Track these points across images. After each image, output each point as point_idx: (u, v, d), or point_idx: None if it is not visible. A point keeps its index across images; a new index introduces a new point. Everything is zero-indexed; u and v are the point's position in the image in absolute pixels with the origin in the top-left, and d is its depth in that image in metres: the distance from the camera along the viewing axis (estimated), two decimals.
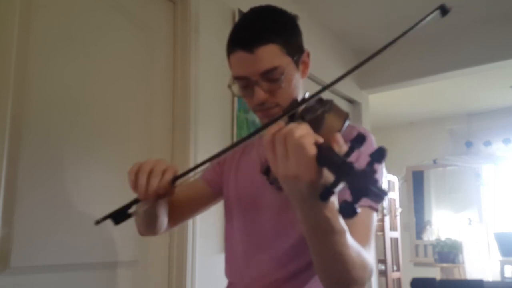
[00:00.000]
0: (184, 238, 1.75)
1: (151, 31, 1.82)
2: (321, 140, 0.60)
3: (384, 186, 4.39)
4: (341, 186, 0.56)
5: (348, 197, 0.54)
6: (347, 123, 0.68)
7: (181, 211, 1.13)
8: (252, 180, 1.01)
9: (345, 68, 3.32)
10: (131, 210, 0.88)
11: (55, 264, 1.35)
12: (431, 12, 0.68)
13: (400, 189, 4.99)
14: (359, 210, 0.53)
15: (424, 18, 0.67)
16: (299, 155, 0.58)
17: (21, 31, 1.32)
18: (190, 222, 1.77)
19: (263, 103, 0.91)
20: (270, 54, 0.87)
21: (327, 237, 0.65)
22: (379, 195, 0.52)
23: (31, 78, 1.34)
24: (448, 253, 4.82)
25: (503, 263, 4.67)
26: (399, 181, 5.00)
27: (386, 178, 4.50)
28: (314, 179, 0.58)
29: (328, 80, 3.05)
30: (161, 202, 0.99)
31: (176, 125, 1.86)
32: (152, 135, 1.76)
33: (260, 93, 0.89)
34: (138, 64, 1.74)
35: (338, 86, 3.19)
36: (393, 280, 4.32)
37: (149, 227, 1.06)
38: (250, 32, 0.89)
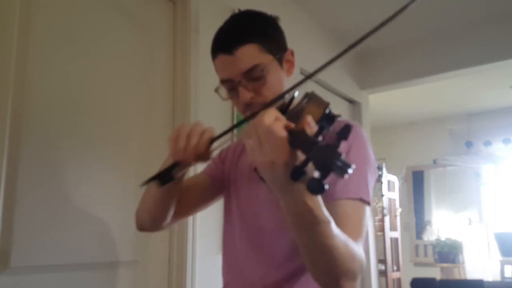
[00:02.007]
0: (184, 238, 1.75)
1: (151, 31, 1.82)
2: (292, 125, 0.63)
3: (384, 186, 4.39)
4: (312, 166, 0.58)
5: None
6: (327, 111, 0.69)
7: (185, 206, 1.13)
8: (250, 179, 1.01)
9: (345, 68, 3.33)
10: (173, 172, 0.89)
11: (55, 264, 1.35)
12: None
13: (400, 189, 4.99)
14: (327, 186, 0.54)
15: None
16: (271, 140, 0.61)
17: (21, 31, 1.32)
18: (190, 222, 1.77)
19: (250, 103, 0.91)
20: (250, 54, 0.89)
21: (311, 227, 0.66)
22: (342, 168, 0.54)
23: (31, 78, 1.34)
24: (448, 253, 4.82)
25: (503, 263, 4.67)
26: (399, 181, 5.00)
27: (386, 178, 4.50)
28: (288, 161, 0.60)
29: (327, 80, 3.06)
30: (176, 190, 0.99)
31: (176, 125, 1.86)
32: (152, 135, 1.76)
33: (245, 93, 0.90)
34: (138, 64, 1.74)
35: (338, 86, 3.19)
36: (393, 280, 4.32)
37: (158, 213, 1.03)
38: (229, 35, 0.92)
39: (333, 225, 0.68)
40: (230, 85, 0.93)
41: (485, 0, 2.83)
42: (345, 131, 0.56)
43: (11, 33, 1.30)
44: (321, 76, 2.70)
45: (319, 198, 0.66)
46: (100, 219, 1.49)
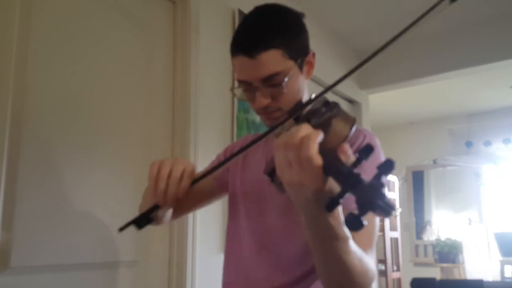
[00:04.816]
0: (184, 238, 1.75)
1: (151, 31, 1.82)
2: (328, 145, 0.60)
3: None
4: (347, 196, 0.56)
5: (352, 205, 0.53)
6: (354, 128, 0.67)
7: (186, 206, 1.12)
8: (258, 178, 1.00)
9: (346, 68, 3.33)
10: (152, 215, 0.88)
11: (55, 264, 1.35)
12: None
13: (400, 189, 4.99)
14: (365, 222, 0.52)
15: (433, 7, 0.65)
16: (305, 165, 0.58)
17: (21, 31, 1.32)
18: (190, 222, 1.77)
19: (265, 107, 0.90)
20: (272, 60, 0.86)
21: (331, 243, 0.66)
22: (386, 210, 0.51)
23: (31, 78, 1.34)
24: (448, 253, 4.82)
25: (503, 263, 4.67)
26: (399, 181, 5.00)
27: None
28: (320, 187, 0.58)
29: (329, 81, 3.05)
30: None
31: (176, 125, 1.86)
32: (152, 135, 1.76)
33: (261, 99, 0.89)
34: (138, 64, 1.74)
35: (338, 86, 3.18)
36: (393, 280, 4.32)
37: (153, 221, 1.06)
38: (251, 36, 0.88)
39: (351, 242, 0.68)
40: (247, 87, 0.91)
41: (485, 0, 2.83)
42: (388, 167, 0.53)
43: (11, 33, 1.30)
44: (320, 76, 2.70)
45: (341, 215, 0.65)
46: (100, 219, 1.49)
